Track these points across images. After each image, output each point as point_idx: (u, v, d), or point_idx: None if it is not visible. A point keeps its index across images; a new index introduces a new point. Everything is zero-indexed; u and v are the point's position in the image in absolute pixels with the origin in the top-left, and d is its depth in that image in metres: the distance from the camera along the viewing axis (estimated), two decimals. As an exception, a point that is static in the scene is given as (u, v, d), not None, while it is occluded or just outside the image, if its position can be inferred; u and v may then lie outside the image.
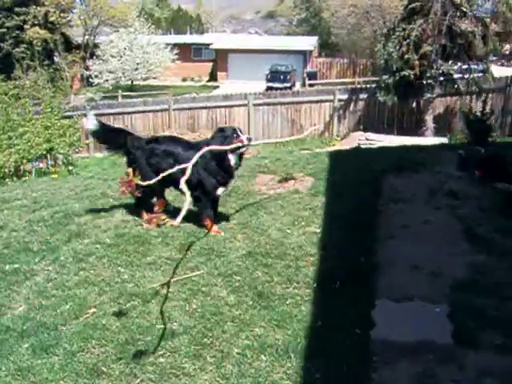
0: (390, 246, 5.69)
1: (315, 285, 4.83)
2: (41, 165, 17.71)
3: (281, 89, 32.99)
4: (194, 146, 6.18)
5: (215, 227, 6.17)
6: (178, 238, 5.96)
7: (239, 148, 5.95)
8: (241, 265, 5.23)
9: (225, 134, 6.02)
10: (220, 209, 6.60)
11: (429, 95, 21.32)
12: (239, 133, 5.99)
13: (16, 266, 5.49)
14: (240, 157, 6.15)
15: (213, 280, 4.95)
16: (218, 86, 44.18)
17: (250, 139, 6.04)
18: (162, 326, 4.21)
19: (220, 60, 48.21)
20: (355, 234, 5.84)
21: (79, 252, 5.69)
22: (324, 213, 6.54)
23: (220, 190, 6.21)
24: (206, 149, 5.52)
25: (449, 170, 8.31)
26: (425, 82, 20.89)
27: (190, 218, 6.38)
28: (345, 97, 24.12)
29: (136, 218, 6.61)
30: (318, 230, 6.05)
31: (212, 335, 4.10)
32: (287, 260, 5.32)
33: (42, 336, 4.16)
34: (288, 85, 39.44)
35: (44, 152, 16.86)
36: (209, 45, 48.99)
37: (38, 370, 3.77)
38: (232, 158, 5.99)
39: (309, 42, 47.90)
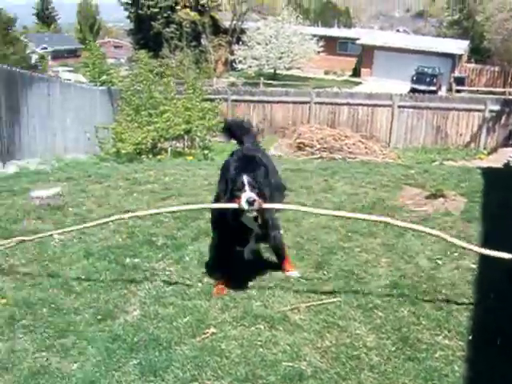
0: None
1: (470, 337, 4.03)
2: (178, 144, 17.80)
3: (425, 92, 31.68)
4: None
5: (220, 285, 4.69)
6: (315, 253, 5.35)
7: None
8: (384, 298, 4.52)
9: (230, 177, 4.40)
10: (362, 223, 5.93)
11: None
12: (246, 187, 4.23)
13: (136, 260, 5.13)
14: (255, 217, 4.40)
15: (351, 312, 4.28)
16: (360, 82, 43.31)
17: (251, 203, 4.16)
18: (289, 364, 3.62)
19: (365, 56, 47.15)
20: (519, 277, 4.93)
21: (206, 254, 5.23)
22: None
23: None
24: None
25: None
26: None
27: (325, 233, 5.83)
28: (496, 108, 22.59)
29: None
30: (474, 266, 5.18)
31: (346, 386, 3.45)
32: (437, 300, 4.50)
33: (152, 354, 3.69)
34: (433, 88, 38.04)
35: (182, 133, 16.91)
36: (355, 39, 48.07)
37: (144, 398, 3.31)
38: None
39: (459, 46, 45.82)
